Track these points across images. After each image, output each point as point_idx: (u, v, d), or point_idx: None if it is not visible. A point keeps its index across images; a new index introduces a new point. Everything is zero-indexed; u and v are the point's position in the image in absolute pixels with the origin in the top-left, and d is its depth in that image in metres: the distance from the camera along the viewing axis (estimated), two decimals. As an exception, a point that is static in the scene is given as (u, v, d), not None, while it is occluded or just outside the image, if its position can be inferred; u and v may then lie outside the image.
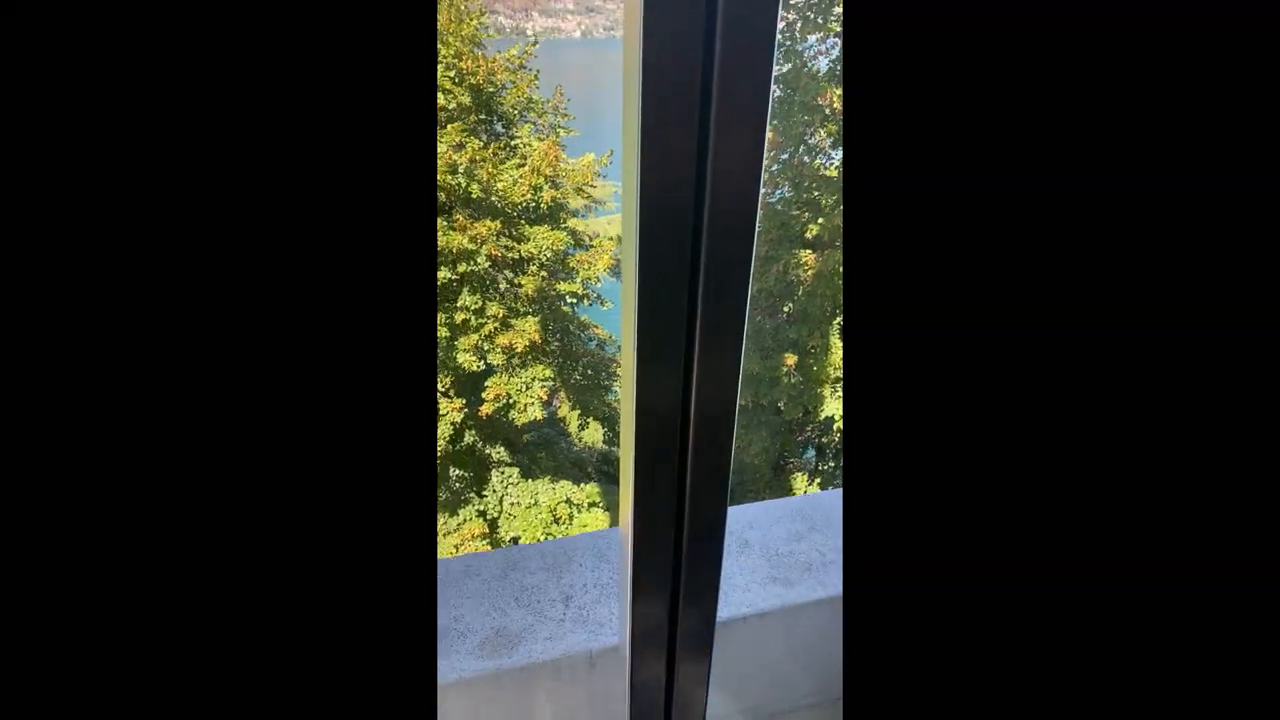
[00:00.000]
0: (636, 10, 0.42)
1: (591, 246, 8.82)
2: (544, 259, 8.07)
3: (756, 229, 0.52)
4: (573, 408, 10.00)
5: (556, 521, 9.45)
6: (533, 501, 9.35)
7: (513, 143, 8.31)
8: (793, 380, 8.91)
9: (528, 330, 7.94)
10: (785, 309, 9.07)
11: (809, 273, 8.54)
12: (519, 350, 7.95)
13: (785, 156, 8.72)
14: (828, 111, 8.17)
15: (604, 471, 10.75)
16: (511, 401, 8.22)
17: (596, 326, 9.97)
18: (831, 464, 10.53)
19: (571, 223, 8.73)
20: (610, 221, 10.05)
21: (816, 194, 8.55)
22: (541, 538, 9.16)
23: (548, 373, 8.44)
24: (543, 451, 10.12)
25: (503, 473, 9.47)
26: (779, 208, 8.81)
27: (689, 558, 0.67)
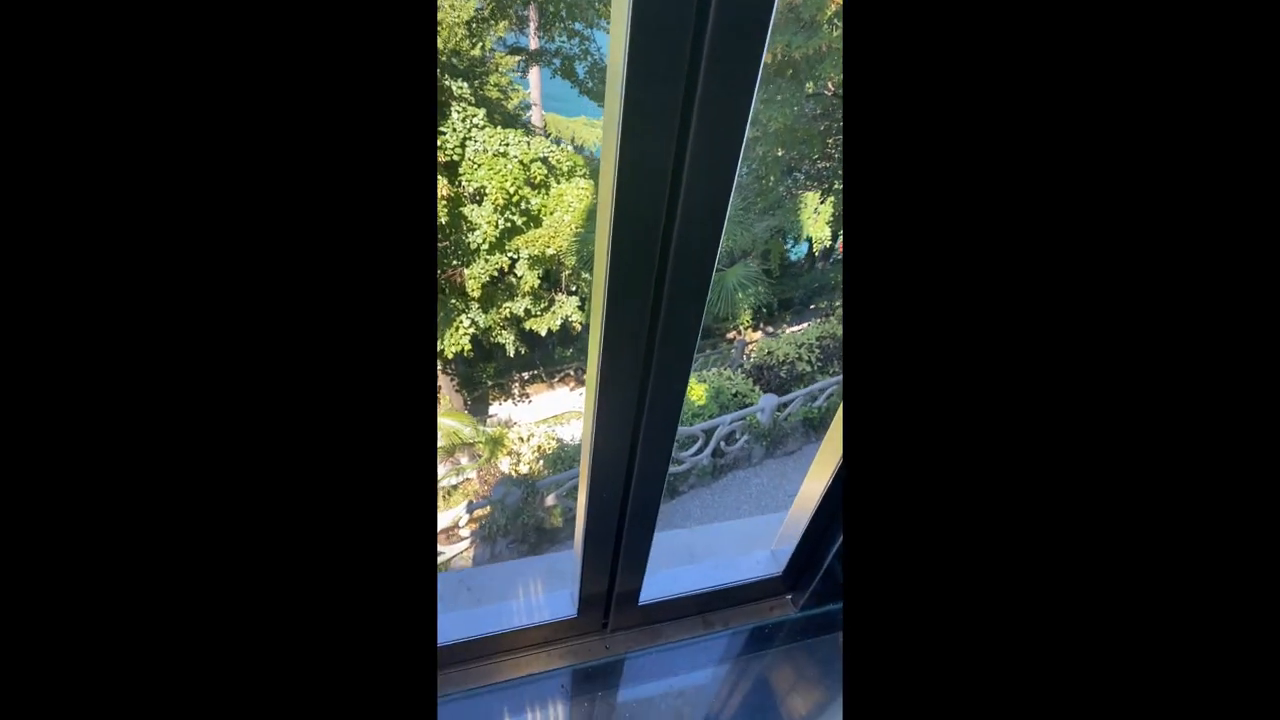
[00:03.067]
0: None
1: None
2: None
3: (721, 239, 0.60)
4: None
5: (531, 183, 7.82)
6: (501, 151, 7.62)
7: None
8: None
9: None
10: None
11: None
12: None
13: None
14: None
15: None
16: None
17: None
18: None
19: None
20: None
21: None
22: (511, 192, 7.57)
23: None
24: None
25: (464, 109, 7.58)
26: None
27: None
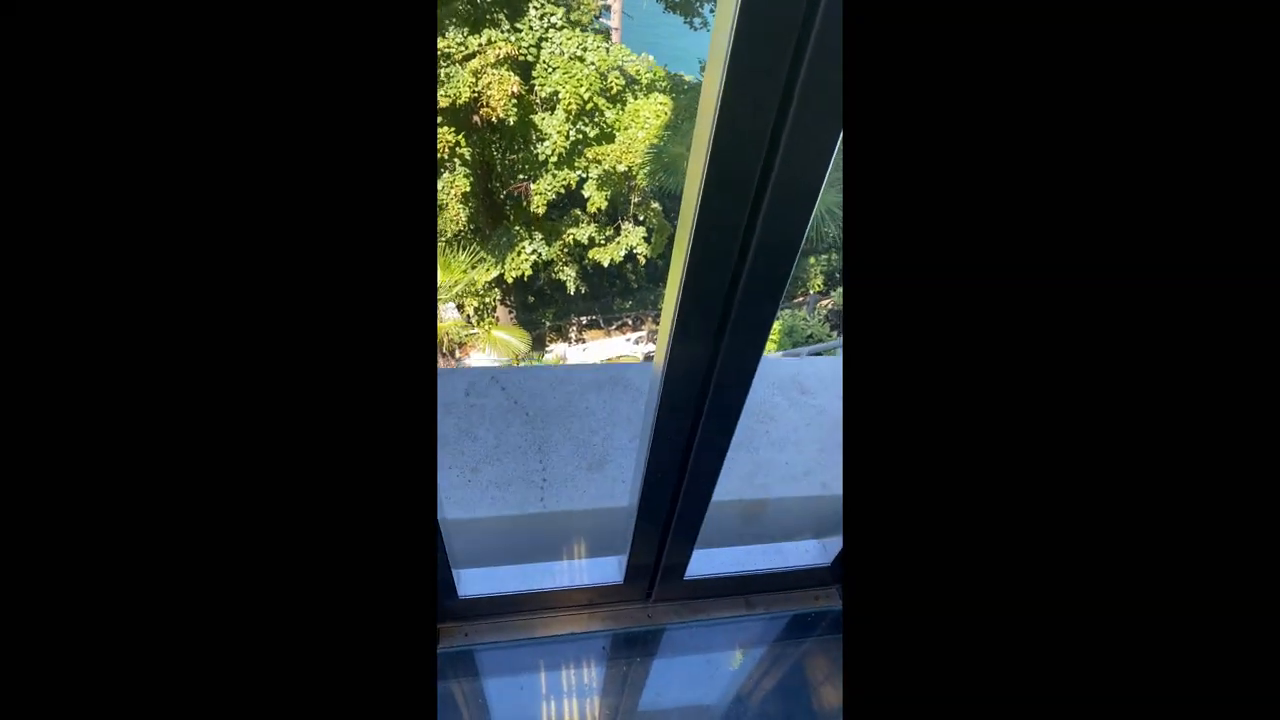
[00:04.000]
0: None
1: None
2: None
3: (811, 220, 0.55)
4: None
5: (606, 94, 7.34)
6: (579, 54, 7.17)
7: None
8: None
9: None
10: None
11: None
12: None
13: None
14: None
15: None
16: None
17: None
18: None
19: None
20: None
21: None
22: (585, 99, 7.12)
23: None
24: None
25: (541, 5, 7.16)
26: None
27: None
